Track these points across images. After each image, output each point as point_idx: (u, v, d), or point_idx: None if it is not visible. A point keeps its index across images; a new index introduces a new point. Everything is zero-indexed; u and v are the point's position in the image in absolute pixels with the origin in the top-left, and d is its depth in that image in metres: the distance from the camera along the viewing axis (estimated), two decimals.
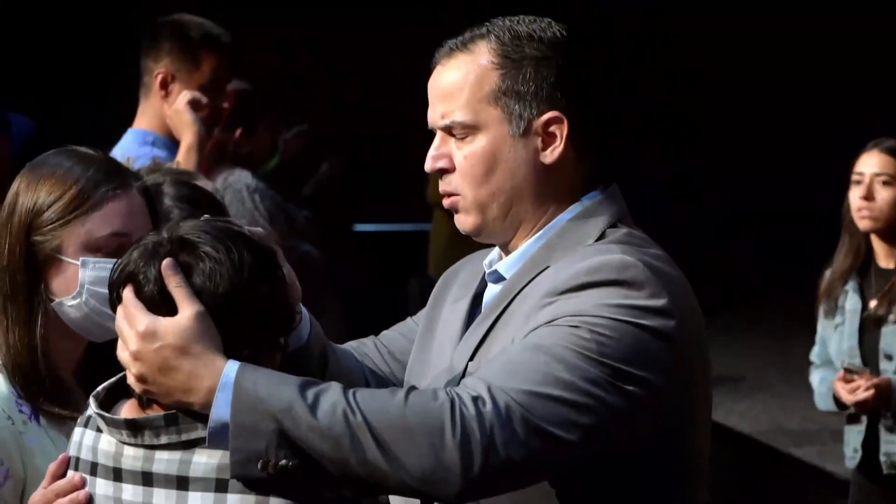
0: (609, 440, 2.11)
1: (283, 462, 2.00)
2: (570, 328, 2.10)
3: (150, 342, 2.06)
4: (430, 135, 2.32)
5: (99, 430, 2.16)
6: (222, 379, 2.03)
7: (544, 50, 2.26)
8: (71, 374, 2.53)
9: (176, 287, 2.07)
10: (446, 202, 2.32)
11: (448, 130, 2.29)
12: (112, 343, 2.53)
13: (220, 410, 2.02)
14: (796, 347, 10.44)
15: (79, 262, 2.46)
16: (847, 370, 4.53)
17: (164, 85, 4.22)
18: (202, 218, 2.19)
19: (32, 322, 2.48)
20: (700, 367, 2.24)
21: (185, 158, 4.05)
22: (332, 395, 2.02)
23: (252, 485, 2.01)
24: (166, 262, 2.08)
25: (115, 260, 2.47)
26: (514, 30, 2.28)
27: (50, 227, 2.47)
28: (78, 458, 2.19)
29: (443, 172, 2.30)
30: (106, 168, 2.52)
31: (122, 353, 2.11)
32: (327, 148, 8.69)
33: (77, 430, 2.22)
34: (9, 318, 2.48)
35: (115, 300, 2.14)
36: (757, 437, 8.09)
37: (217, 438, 2.03)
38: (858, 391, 4.45)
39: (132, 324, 2.08)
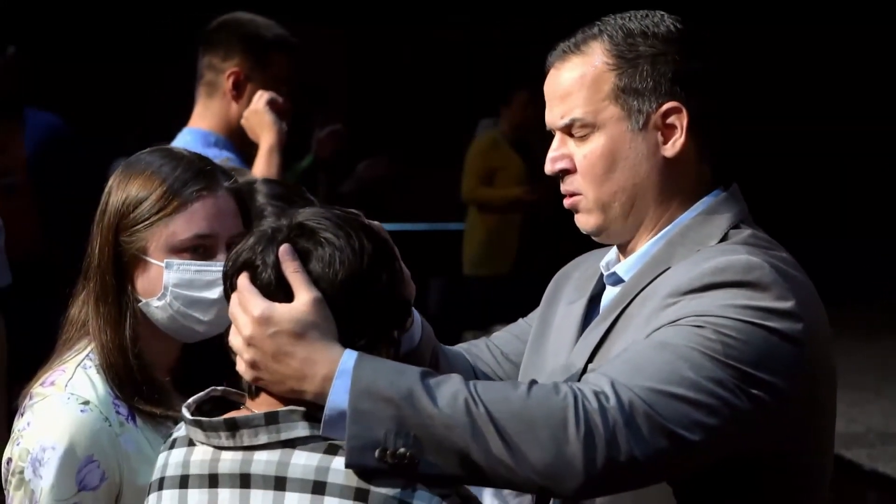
0: (731, 444, 2.07)
1: (402, 451, 1.95)
2: (695, 328, 2.06)
3: (264, 328, 2.01)
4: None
5: (191, 444, 2.11)
6: (340, 366, 1.98)
7: (659, 46, 2.23)
8: (167, 374, 2.52)
9: (293, 273, 2.02)
10: (567, 202, 2.29)
11: (567, 130, 2.26)
12: (205, 344, 2.51)
13: (338, 397, 1.97)
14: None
15: (163, 264, 2.44)
16: None
17: (237, 85, 4.09)
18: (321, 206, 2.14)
19: (122, 323, 2.47)
20: (826, 375, 2.19)
21: (266, 159, 3.97)
22: (453, 384, 1.98)
23: (366, 475, 1.96)
24: (283, 247, 2.04)
25: (199, 262, 2.44)
26: (626, 27, 2.25)
27: (136, 227, 2.45)
28: (162, 479, 2.13)
29: (564, 173, 2.28)
30: (195, 168, 2.49)
31: (235, 339, 2.06)
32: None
33: (161, 456, 2.17)
34: (101, 319, 2.48)
35: (228, 289, 2.09)
36: None
37: (333, 426, 1.98)
38: None
39: (247, 309, 2.03)
